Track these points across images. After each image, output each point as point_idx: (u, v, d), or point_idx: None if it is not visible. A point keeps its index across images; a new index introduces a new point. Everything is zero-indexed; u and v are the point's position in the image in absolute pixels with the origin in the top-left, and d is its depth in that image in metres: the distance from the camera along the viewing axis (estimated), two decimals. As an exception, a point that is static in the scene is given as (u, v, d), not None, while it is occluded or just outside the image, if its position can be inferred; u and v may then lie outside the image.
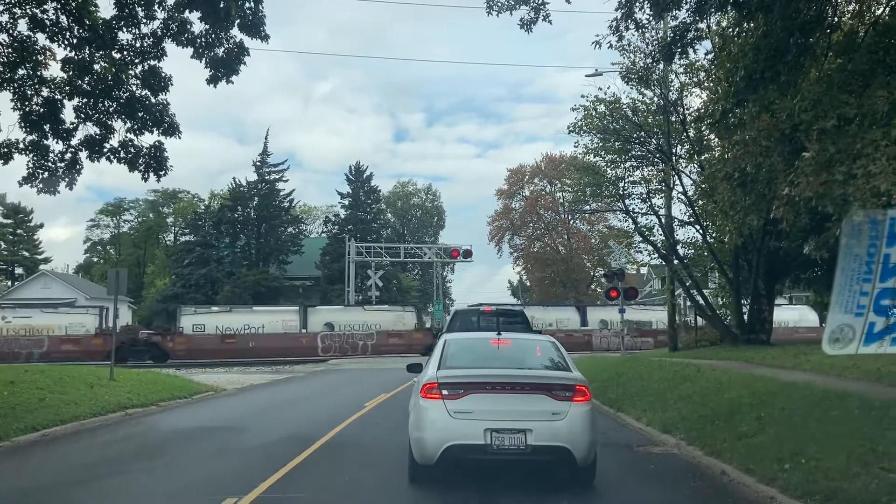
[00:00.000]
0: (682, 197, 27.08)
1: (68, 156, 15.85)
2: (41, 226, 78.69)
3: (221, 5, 14.11)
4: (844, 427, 9.27)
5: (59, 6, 14.90)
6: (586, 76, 27.85)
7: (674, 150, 26.27)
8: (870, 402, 10.23)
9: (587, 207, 35.36)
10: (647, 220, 28.93)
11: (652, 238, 28.84)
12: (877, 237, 4.78)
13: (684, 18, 14.18)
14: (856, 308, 4.80)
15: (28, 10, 15.01)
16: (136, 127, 15.85)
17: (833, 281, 5.02)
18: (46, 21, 14.98)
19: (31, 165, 15.61)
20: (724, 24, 18.10)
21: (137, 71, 15.68)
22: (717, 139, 22.22)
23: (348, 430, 13.61)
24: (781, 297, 29.54)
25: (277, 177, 68.51)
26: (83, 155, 15.90)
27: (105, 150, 15.90)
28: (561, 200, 73.11)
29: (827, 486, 7.60)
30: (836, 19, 13.66)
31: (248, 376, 29.43)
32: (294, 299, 61.52)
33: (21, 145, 15.52)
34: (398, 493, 8.81)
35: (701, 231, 27.18)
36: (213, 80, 15.20)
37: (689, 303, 29.56)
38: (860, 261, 4.81)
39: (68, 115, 15.70)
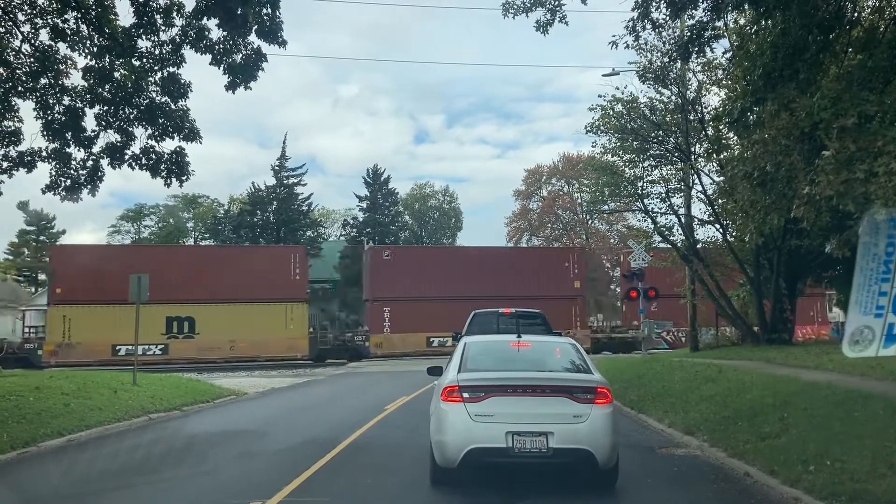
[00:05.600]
0: (702, 196, 26.89)
1: (90, 163, 16.03)
2: (63, 232, 79.36)
3: (239, 12, 14.19)
4: (869, 428, 9.19)
5: (79, 16, 15.08)
6: (603, 76, 27.91)
7: (692, 149, 26.08)
8: (895, 402, 10.13)
9: (605, 207, 35.13)
10: (666, 219, 28.70)
11: (672, 238, 28.65)
12: (894, 236, 4.71)
13: (701, 17, 14.14)
14: (875, 309, 4.73)
15: (49, 21, 15.23)
16: (156, 133, 16.00)
17: (853, 280, 4.95)
18: (67, 31, 15.20)
19: (53, 173, 15.85)
20: (741, 21, 18.03)
21: (157, 78, 15.83)
22: (735, 138, 22.06)
23: (370, 433, 13.68)
24: (803, 295, 29.08)
25: (296, 181, 68.72)
26: (105, 162, 16.08)
27: (126, 156, 16.07)
28: (579, 200, 72.93)
29: (852, 488, 7.55)
30: (855, 15, 13.55)
31: (270, 380, 29.58)
32: (313, 303, 61.53)
33: (44, 153, 15.76)
34: (420, 496, 8.85)
35: (721, 230, 26.97)
36: (231, 87, 15.28)
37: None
38: (878, 260, 4.74)
39: (89, 122, 15.93)
